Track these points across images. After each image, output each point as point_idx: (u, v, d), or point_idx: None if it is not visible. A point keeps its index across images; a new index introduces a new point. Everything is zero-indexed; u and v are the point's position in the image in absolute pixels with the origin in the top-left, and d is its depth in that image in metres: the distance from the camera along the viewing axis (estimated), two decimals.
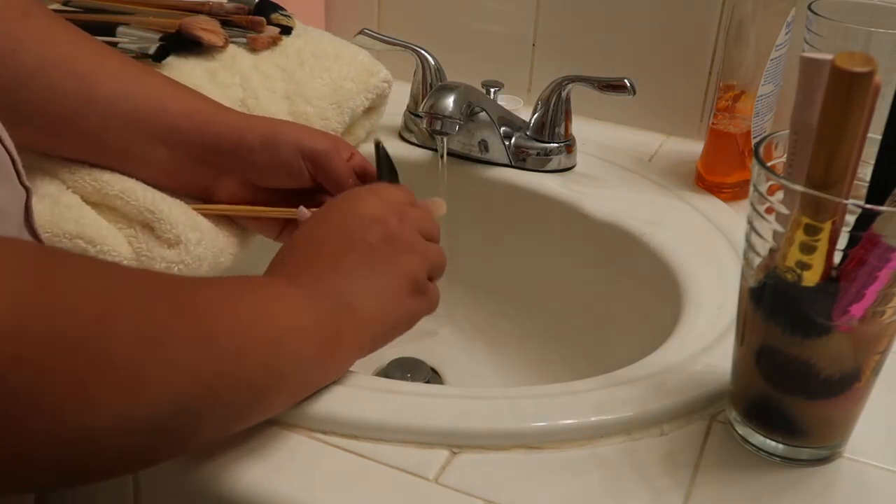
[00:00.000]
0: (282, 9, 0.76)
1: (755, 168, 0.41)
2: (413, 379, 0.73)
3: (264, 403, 0.42)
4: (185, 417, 0.36)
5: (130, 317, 0.34)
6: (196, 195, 0.59)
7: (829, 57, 0.37)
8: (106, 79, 0.55)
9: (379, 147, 0.62)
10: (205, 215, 0.58)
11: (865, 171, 0.41)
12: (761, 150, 0.42)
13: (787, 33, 0.67)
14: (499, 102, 0.76)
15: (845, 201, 0.38)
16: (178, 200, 0.58)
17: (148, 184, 0.57)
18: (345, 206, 0.52)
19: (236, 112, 0.60)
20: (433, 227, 0.54)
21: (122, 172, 0.57)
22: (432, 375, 0.75)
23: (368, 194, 0.53)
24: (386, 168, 0.62)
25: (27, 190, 0.44)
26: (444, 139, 0.71)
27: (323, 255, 0.48)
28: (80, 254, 0.35)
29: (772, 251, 0.42)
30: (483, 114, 0.73)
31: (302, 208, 0.57)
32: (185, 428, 0.37)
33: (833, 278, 0.40)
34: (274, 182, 0.58)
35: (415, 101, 0.78)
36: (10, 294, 0.29)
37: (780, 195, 0.40)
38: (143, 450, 0.36)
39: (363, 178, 0.59)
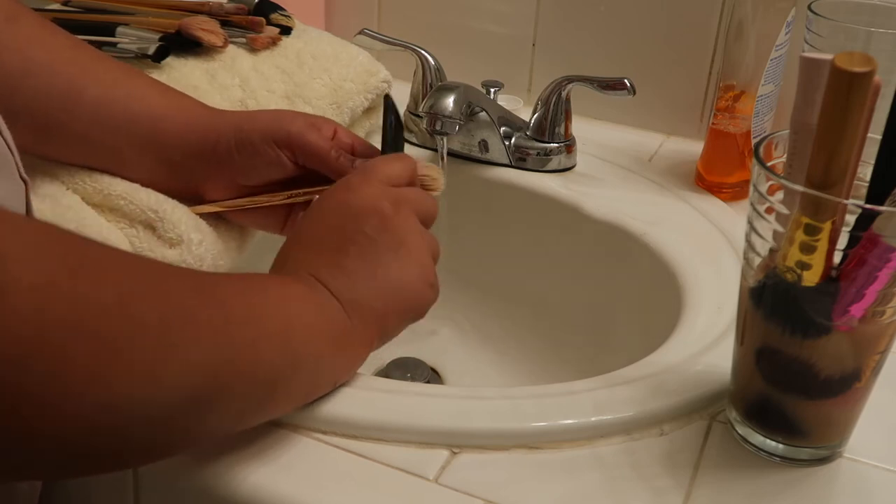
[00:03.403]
0: (281, 9, 0.76)
1: (755, 168, 0.41)
2: (413, 379, 0.73)
3: (277, 396, 0.42)
4: (200, 406, 0.36)
5: (150, 304, 0.34)
6: (188, 199, 0.58)
7: (829, 57, 0.37)
8: (91, 83, 0.54)
9: (388, 107, 0.59)
10: (202, 216, 0.58)
11: (865, 171, 0.41)
12: (761, 150, 0.42)
13: (787, 33, 0.67)
14: (499, 102, 0.76)
15: (845, 201, 0.38)
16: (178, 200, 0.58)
17: (141, 184, 0.57)
18: (338, 199, 0.51)
19: (217, 112, 0.58)
20: (431, 208, 0.52)
21: (117, 175, 0.56)
22: (432, 375, 0.75)
23: (361, 182, 0.51)
24: (392, 135, 0.58)
25: (25, 182, 0.44)
26: (444, 139, 0.71)
27: (323, 253, 0.48)
28: (103, 242, 0.36)
29: (772, 251, 0.42)
30: (483, 114, 0.73)
31: (299, 197, 0.56)
32: (199, 417, 0.37)
33: (833, 278, 0.40)
34: (256, 178, 0.56)
35: (415, 101, 0.78)
36: (34, 278, 0.29)
37: (780, 195, 0.40)
38: (157, 438, 0.36)
39: (354, 154, 0.57)
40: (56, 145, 0.56)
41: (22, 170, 0.44)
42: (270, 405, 0.42)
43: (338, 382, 0.47)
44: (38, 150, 0.56)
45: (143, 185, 0.57)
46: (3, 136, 0.42)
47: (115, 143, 0.55)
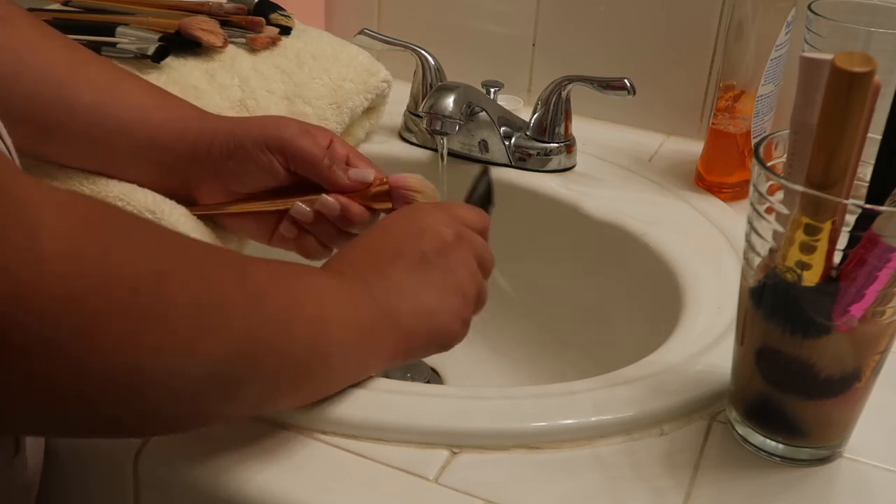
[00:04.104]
0: (281, 9, 0.76)
1: (755, 168, 0.41)
2: (413, 379, 0.73)
3: (303, 381, 0.42)
4: (226, 386, 0.37)
5: (184, 284, 0.34)
6: (183, 203, 0.58)
7: (829, 57, 0.37)
8: (84, 87, 0.54)
9: (484, 174, 0.59)
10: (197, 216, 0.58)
11: (865, 171, 0.41)
12: (761, 150, 0.42)
13: (787, 33, 0.67)
14: (499, 102, 0.76)
15: (845, 201, 0.38)
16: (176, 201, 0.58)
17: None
18: (406, 215, 0.51)
19: (211, 117, 0.58)
20: (490, 259, 0.52)
21: (114, 177, 0.56)
22: (432, 375, 0.75)
23: (436, 208, 0.51)
24: (479, 192, 0.58)
25: None
26: (444, 139, 0.71)
27: (373, 261, 0.48)
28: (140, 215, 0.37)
29: (772, 251, 0.42)
30: (483, 114, 0.73)
31: (298, 203, 0.56)
32: (224, 396, 0.37)
33: (833, 278, 0.40)
34: (249, 184, 0.56)
35: (415, 101, 0.78)
36: (72, 237, 0.30)
37: (780, 195, 0.40)
38: (179, 411, 0.36)
39: (348, 165, 0.57)
40: (54, 146, 0.55)
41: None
42: (296, 389, 0.43)
43: (349, 383, 0.47)
44: (37, 151, 0.56)
45: (137, 181, 0.57)
46: (1, 139, 0.42)
47: (111, 146, 0.55)
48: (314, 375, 0.43)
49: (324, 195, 0.55)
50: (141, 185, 0.57)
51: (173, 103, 0.58)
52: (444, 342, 0.49)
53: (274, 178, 0.56)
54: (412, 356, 0.48)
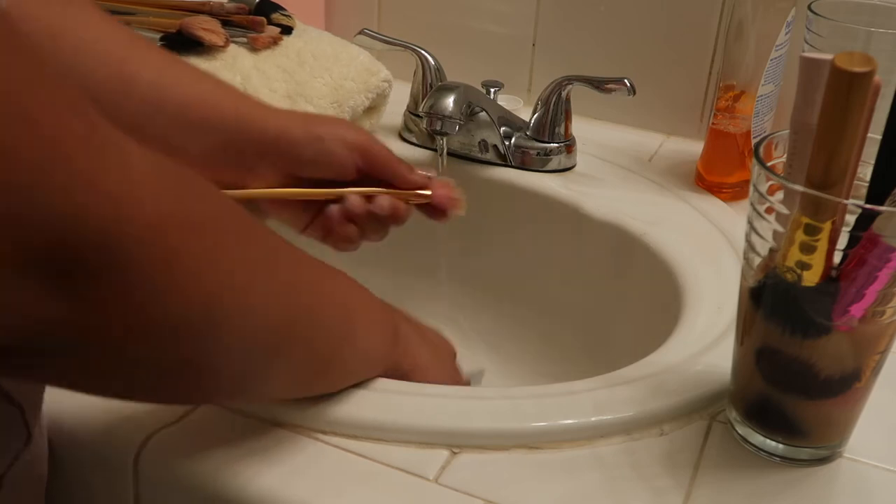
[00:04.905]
0: (282, 9, 0.76)
1: (755, 168, 0.41)
2: None
3: (331, 364, 0.45)
4: (272, 346, 0.39)
5: (238, 228, 0.36)
6: (233, 185, 0.59)
7: (829, 57, 0.37)
8: (143, 68, 0.55)
9: None
10: (239, 201, 0.58)
11: (865, 171, 0.41)
12: (761, 150, 0.42)
13: (787, 33, 0.67)
14: (499, 102, 0.76)
15: (845, 201, 0.38)
16: None
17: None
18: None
19: (271, 106, 0.60)
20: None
21: None
22: None
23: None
24: None
25: None
26: (444, 139, 0.71)
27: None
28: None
29: (772, 251, 0.42)
30: (483, 114, 0.73)
31: (354, 195, 0.58)
32: (269, 358, 0.39)
33: (833, 278, 0.40)
34: (317, 173, 0.58)
35: (415, 101, 0.78)
36: (154, 171, 0.31)
37: (780, 195, 0.40)
38: (235, 367, 0.38)
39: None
40: None
41: None
42: (328, 369, 0.45)
43: (359, 379, 0.48)
44: None
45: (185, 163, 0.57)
46: None
47: (165, 126, 0.56)
48: (342, 360, 0.46)
49: (383, 194, 0.58)
50: (188, 161, 0.57)
51: (233, 89, 0.59)
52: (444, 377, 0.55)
53: (342, 174, 0.58)
54: (398, 375, 0.51)
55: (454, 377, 0.58)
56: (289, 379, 0.43)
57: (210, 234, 0.34)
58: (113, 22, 0.56)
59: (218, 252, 0.34)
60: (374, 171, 0.59)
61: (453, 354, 0.59)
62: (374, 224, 0.59)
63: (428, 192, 0.59)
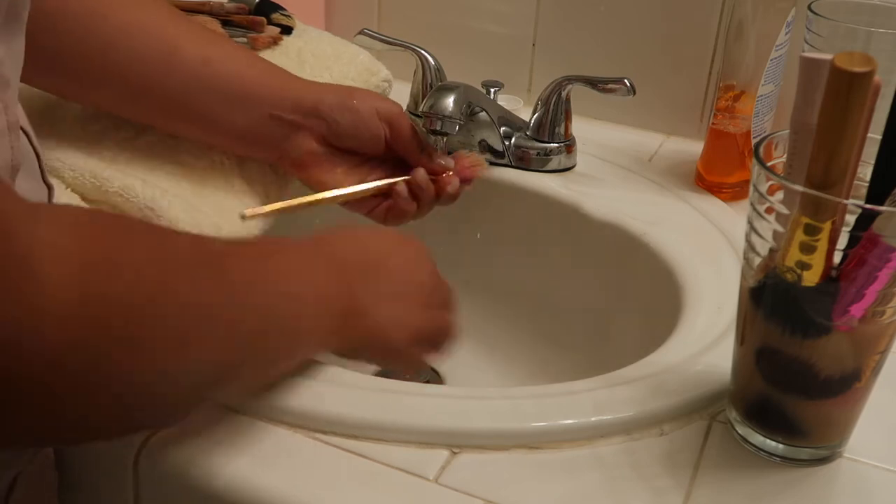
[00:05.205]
0: (282, 8, 0.76)
1: (755, 168, 0.41)
2: (413, 379, 0.73)
3: (281, 362, 0.45)
4: (216, 379, 0.39)
5: (175, 291, 0.35)
6: (271, 158, 0.61)
7: (829, 57, 0.37)
8: (186, 44, 0.57)
9: None
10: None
11: (865, 171, 0.41)
12: (761, 150, 0.42)
13: (787, 33, 0.67)
14: (499, 102, 0.76)
15: (845, 201, 0.38)
16: (178, 197, 0.58)
17: (224, 149, 0.61)
18: (410, 248, 0.54)
19: (306, 80, 0.62)
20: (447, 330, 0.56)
21: (200, 138, 0.60)
22: (432, 375, 0.75)
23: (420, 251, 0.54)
24: None
25: (49, 187, 0.46)
26: (444, 139, 0.71)
27: (361, 269, 0.49)
28: (135, 220, 0.38)
29: (772, 251, 0.42)
30: (483, 114, 0.73)
31: (418, 171, 0.61)
32: (215, 385, 0.40)
33: (833, 278, 0.40)
34: (352, 141, 0.60)
35: (415, 101, 0.78)
36: (81, 263, 0.31)
37: (780, 195, 0.40)
38: (172, 408, 0.38)
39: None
40: (151, 104, 0.58)
41: (47, 174, 0.45)
42: (272, 371, 0.45)
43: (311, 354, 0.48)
44: (134, 110, 0.58)
45: (226, 147, 0.60)
46: (30, 140, 0.42)
47: (210, 102, 0.58)
48: (290, 354, 0.45)
49: (421, 172, 0.61)
50: (228, 144, 0.60)
51: (271, 63, 0.61)
52: (386, 355, 0.52)
53: (375, 145, 0.61)
54: (354, 353, 0.50)
55: (429, 301, 0.53)
56: (238, 388, 0.44)
57: (140, 321, 0.33)
58: (157, 2, 0.58)
59: (148, 334, 0.33)
60: (397, 143, 0.61)
61: (427, 270, 0.54)
62: (430, 201, 0.62)
63: (450, 169, 0.63)
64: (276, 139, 0.60)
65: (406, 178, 0.62)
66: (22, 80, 0.42)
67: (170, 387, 0.36)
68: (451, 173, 0.63)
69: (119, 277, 0.33)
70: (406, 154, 0.62)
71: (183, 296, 0.35)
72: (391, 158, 0.63)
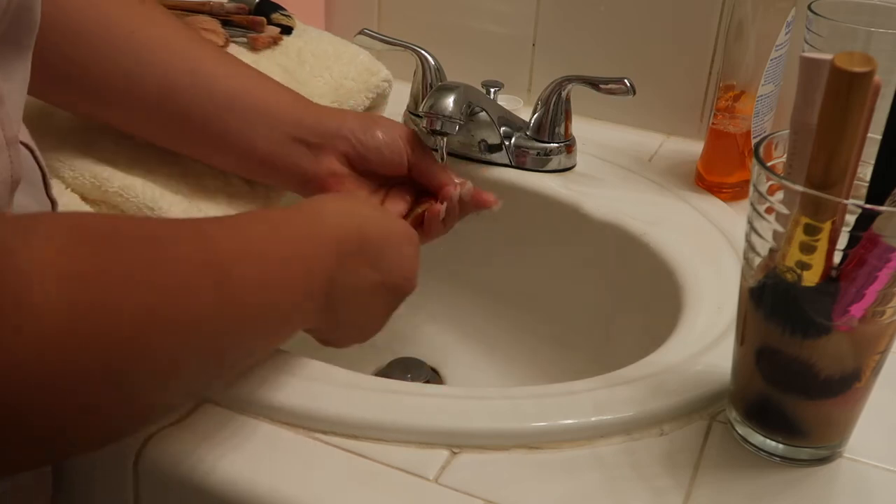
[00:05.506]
0: (282, 8, 0.76)
1: (755, 168, 0.41)
2: (413, 379, 0.73)
3: (272, 343, 0.46)
4: (203, 378, 0.40)
5: (171, 313, 0.35)
6: (292, 183, 0.61)
7: (829, 57, 0.37)
8: (208, 63, 0.58)
9: None
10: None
11: (865, 171, 0.41)
12: (761, 150, 0.42)
13: (787, 33, 0.67)
14: (499, 102, 0.76)
15: (845, 201, 0.38)
16: (178, 196, 0.58)
17: (240, 171, 0.61)
18: (396, 233, 0.52)
19: (319, 104, 0.63)
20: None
21: (218, 161, 0.60)
22: (432, 375, 0.75)
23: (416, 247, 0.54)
24: None
25: (53, 203, 0.46)
26: (444, 139, 0.71)
27: (340, 249, 0.47)
28: (133, 234, 0.37)
29: (772, 251, 0.42)
30: (483, 114, 0.73)
31: (437, 206, 0.61)
32: (206, 381, 0.41)
33: (833, 278, 0.40)
34: (376, 162, 0.61)
35: (415, 101, 0.78)
36: (58, 313, 0.30)
37: (780, 195, 0.40)
38: (161, 411, 0.40)
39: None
40: (173, 123, 0.58)
41: (51, 190, 0.45)
42: (263, 351, 0.47)
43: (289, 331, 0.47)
44: (157, 132, 0.59)
45: (243, 170, 0.61)
46: (34, 155, 0.43)
47: (229, 119, 0.58)
48: (278, 335, 0.45)
49: (437, 204, 0.62)
50: (246, 168, 0.60)
51: (284, 87, 0.62)
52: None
53: (398, 166, 0.62)
54: (324, 331, 0.49)
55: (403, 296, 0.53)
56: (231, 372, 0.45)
57: (129, 349, 0.33)
58: (175, 18, 0.59)
59: (137, 361, 0.33)
60: (417, 165, 0.62)
61: (409, 246, 0.54)
62: (454, 220, 0.63)
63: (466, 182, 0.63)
64: (297, 160, 0.60)
65: (436, 201, 0.62)
66: (34, 95, 0.42)
67: (160, 401, 0.37)
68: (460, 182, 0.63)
69: (104, 310, 0.32)
70: (428, 173, 0.62)
71: (172, 322, 0.35)
72: (409, 181, 0.63)
